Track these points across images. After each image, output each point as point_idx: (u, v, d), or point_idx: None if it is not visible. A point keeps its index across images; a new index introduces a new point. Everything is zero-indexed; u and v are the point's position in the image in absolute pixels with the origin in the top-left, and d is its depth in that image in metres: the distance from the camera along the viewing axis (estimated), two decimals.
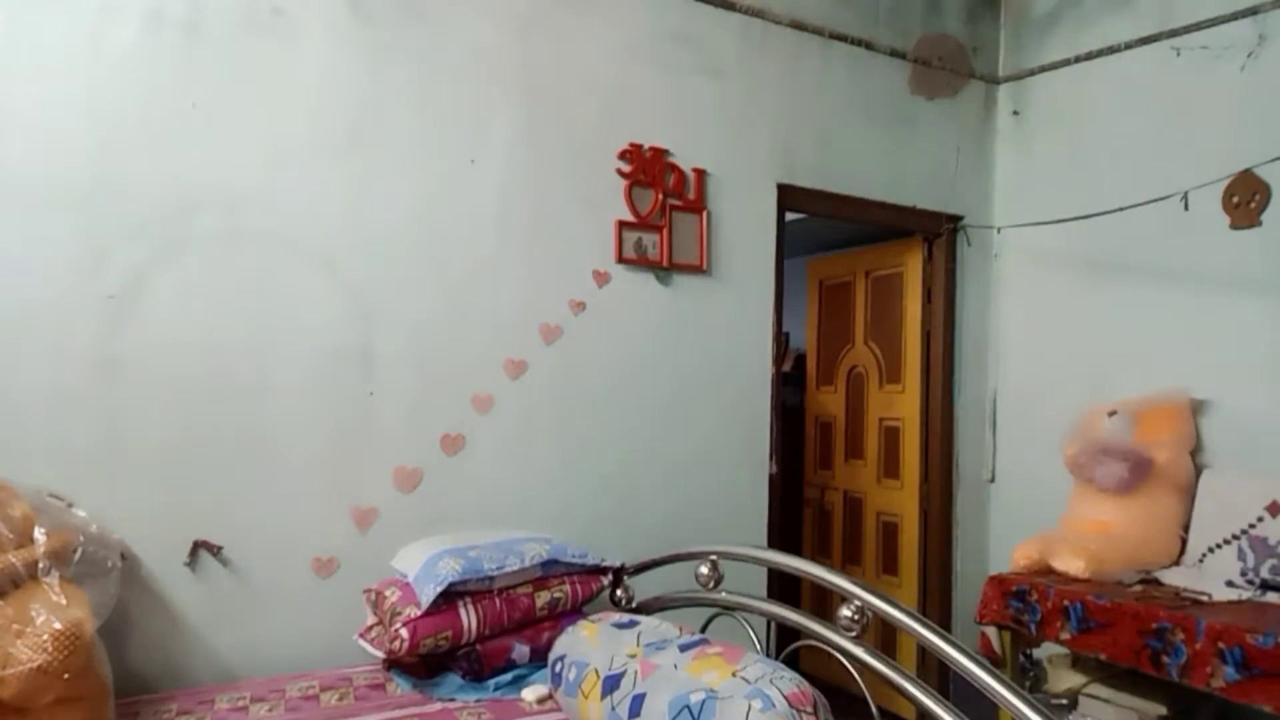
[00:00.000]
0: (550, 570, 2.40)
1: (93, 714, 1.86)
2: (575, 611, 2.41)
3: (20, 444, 2.19)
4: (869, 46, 3.58)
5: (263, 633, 2.45)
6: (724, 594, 2.35)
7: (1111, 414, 3.15)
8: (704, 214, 3.20)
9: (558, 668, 2.07)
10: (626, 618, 2.21)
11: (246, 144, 2.46)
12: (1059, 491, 3.28)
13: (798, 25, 3.40)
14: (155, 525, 2.33)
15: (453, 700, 2.15)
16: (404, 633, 2.14)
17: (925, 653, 2.85)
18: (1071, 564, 2.85)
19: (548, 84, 2.92)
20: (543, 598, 2.35)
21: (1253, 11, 3.06)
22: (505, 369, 2.84)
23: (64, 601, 1.86)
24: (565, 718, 2.04)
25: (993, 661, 2.69)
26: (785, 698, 1.65)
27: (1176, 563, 2.95)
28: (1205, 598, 2.63)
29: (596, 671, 1.94)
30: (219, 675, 2.36)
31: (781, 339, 3.53)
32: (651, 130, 3.10)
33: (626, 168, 3.04)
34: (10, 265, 2.20)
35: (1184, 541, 2.97)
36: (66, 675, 1.75)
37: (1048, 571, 2.93)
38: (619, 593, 2.55)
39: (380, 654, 2.27)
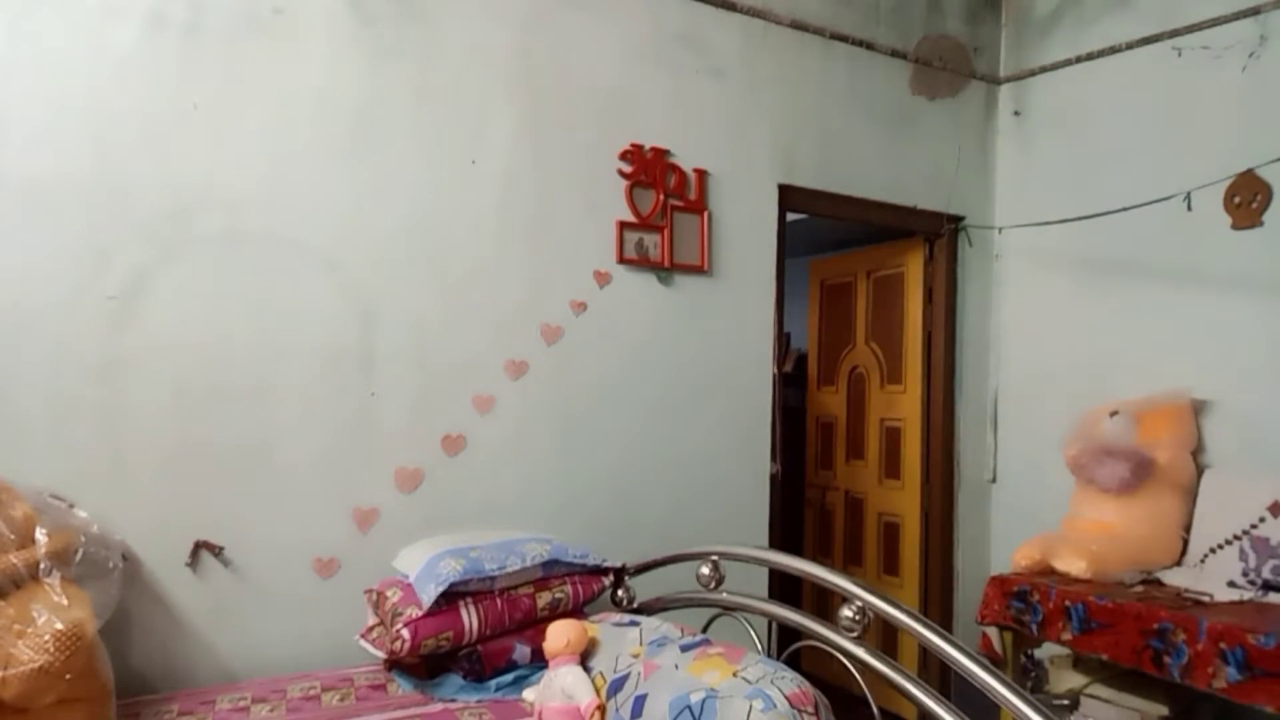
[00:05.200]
0: (551, 571, 2.40)
1: (94, 715, 1.86)
2: (577, 612, 2.41)
3: (22, 445, 2.19)
4: (870, 47, 3.58)
5: (264, 633, 2.45)
6: (725, 594, 2.35)
7: (1113, 414, 3.14)
8: (705, 214, 3.20)
9: None
10: (628, 618, 2.22)
11: (247, 144, 2.46)
12: (1060, 492, 3.27)
13: (799, 25, 3.40)
14: (156, 526, 2.33)
15: (454, 701, 2.15)
16: (405, 633, 2.14)
17: (926, 653, 2.85)
18: (1073, 564, 2.85)
19: (548, 84, 2.92)
20: (544, 598, 2.35)
21: (1254, 11, 3.06)
22: (506, 369, 2.84)
23: (65, 602, 1.87)
24: None
25: (994, 662, 2.69)
26: (786, 698, 1.65)
27: (1178, 563, 2.95)
28: (1207, 598, 2.63)
29: (603, 674, 1.94)
30: (220, 676, 2.36)
31: (783, 339, 3.53)
32: (652, 130, 3.10)
33: (627, 168, 3.04)
34: (11, 266, 2.20)
35: (1185, 542, 2.97)
36: (68, 676, 1.75)
37: (1049, 572, 2.93)
38: (620, 593, 2.55)
39: (381, 654, 2.27)
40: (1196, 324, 3.19)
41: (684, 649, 1.92)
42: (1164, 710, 2.67)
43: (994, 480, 3.96)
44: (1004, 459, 3.93)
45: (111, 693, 1.93)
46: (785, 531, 3.57)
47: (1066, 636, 2.70)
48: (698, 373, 3.20)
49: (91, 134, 2.29)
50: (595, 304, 2.99)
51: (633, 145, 3.05)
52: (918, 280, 3.97)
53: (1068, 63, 3.67)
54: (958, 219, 3.88)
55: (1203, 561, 2.88)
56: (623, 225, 3.03)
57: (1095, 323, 3.55)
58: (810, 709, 1.65)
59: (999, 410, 3.94)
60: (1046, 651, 3.00)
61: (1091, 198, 3.49)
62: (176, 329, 2.37)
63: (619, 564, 2.55)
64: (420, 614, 2.17)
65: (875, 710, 1.89)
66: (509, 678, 2.24)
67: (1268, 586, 2.66)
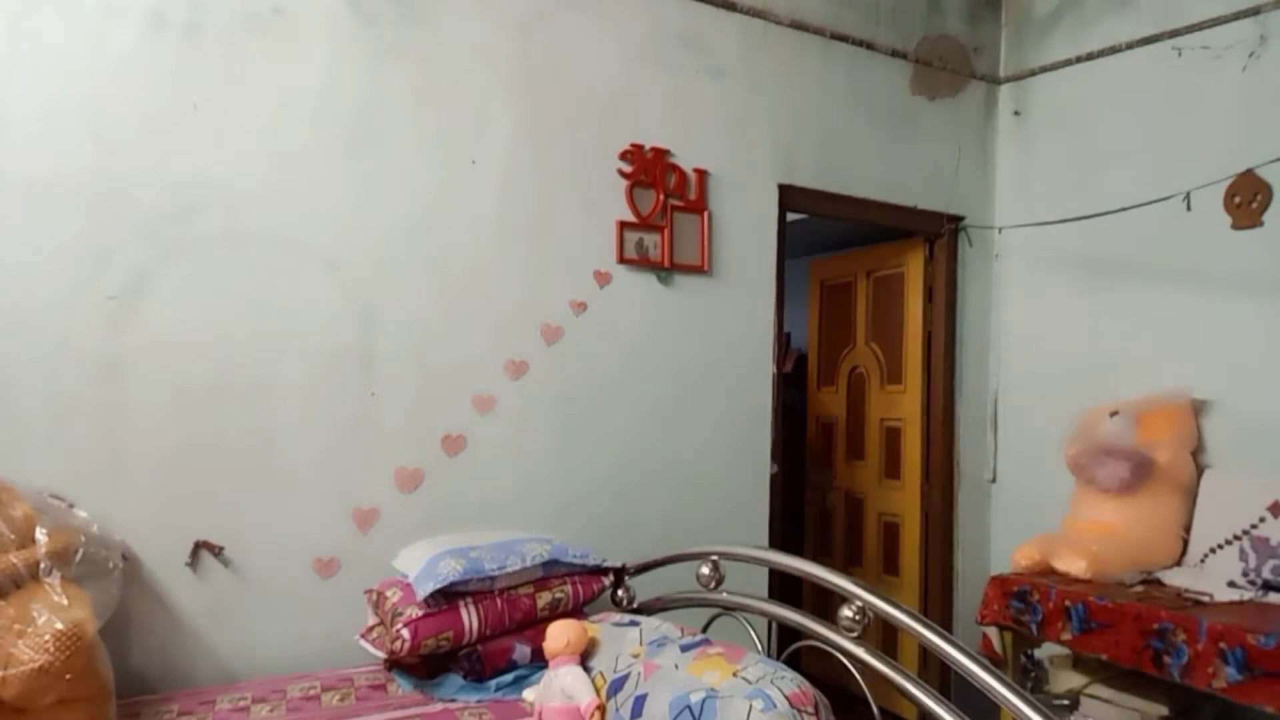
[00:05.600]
0: (551, 571, 2.40)
1: (94, 715, 1.86)
2: (576, 612, 2.41)
3: (22, 445, 2.19)
4: (870, 47, 3.58)
5: (264, 633, 2.45)
6: (725, 594, 2.35)
7: (1113, 414, 3.14)
8: (705, 214, 3.20)
9: None
10: (628, 618, 2.21)
11: (247, 144, 2.46)
12: (1060, 492, 3.27)
13: (799, 25, 3.40)
14: (156, 526, 2.33)
15: (454, 701, 2.15)
16: (405, 633, 2.14)
17: (926, 653, 2.85)
18: (1073, 564, 2.85)
19: (549, 84, 2.92)
20: (544, 598, 2.35)
21: (1254, 11, 3.06)
22: (506, 369, 2.84)
23: (65, 602, 1.87)
24: None
25: (994, 662, 2.68)
26: (786, 698, 1.65)
27: (1178, 563, 2.95)
28: (1207, 598, 2.62)
29: (603, 674, 1.94)
30: (220, 676, 2.36)
31: (783, 339, 3.53)
32: (653, 130, 3.10)
33: (628, 168, 3.04)
34: (12, 266, 2.20)
35: (1185, 542, 2.97)
36: (68, 676, 1.75)
37: (1049, 572, 2.93)
38: (620, 593, 2.55)
39: (381, 654, 2.27)
40: (1196, 324, 3.19)
41: (684, 649, 1.92)
42: (1164, 710, 2.67)
43: (994, 480, 3.95)
44: (1004, 459, 3.92)
45: (111, 693, 1.93)
46: (785, 531, 3.57)
47: (1066, 636, 2.70)
48: (698, 373, 3.20)
49: (91, 134, 2.29)
50: (595, 304, 2.99)
51: (633, 145, 3.05)
52: (918, 280, 3.97)
53: (1068, 63, 3.67)
54: (958, 219, 3.88)
55: (1203, 561, 2.88)
56: (623, 225, 3.03)
57: (1095, 323, 3.55)
58: (810, 709, 1.65)
59: (999, 410, 3.94)
60: (1046, 651, 3.00)
61: (1091, 198, 3.49)
62: (176, 329, 2.37)
63: (619, 564, 2.55)
64: (420, 614, 2.17)
65: (875, 710, 1.89)
66: (509, 678, 2.24)
67: (1268, 586, 2.66)
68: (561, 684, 1.92)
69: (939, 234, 3.86)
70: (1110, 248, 3.48)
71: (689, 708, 1.68)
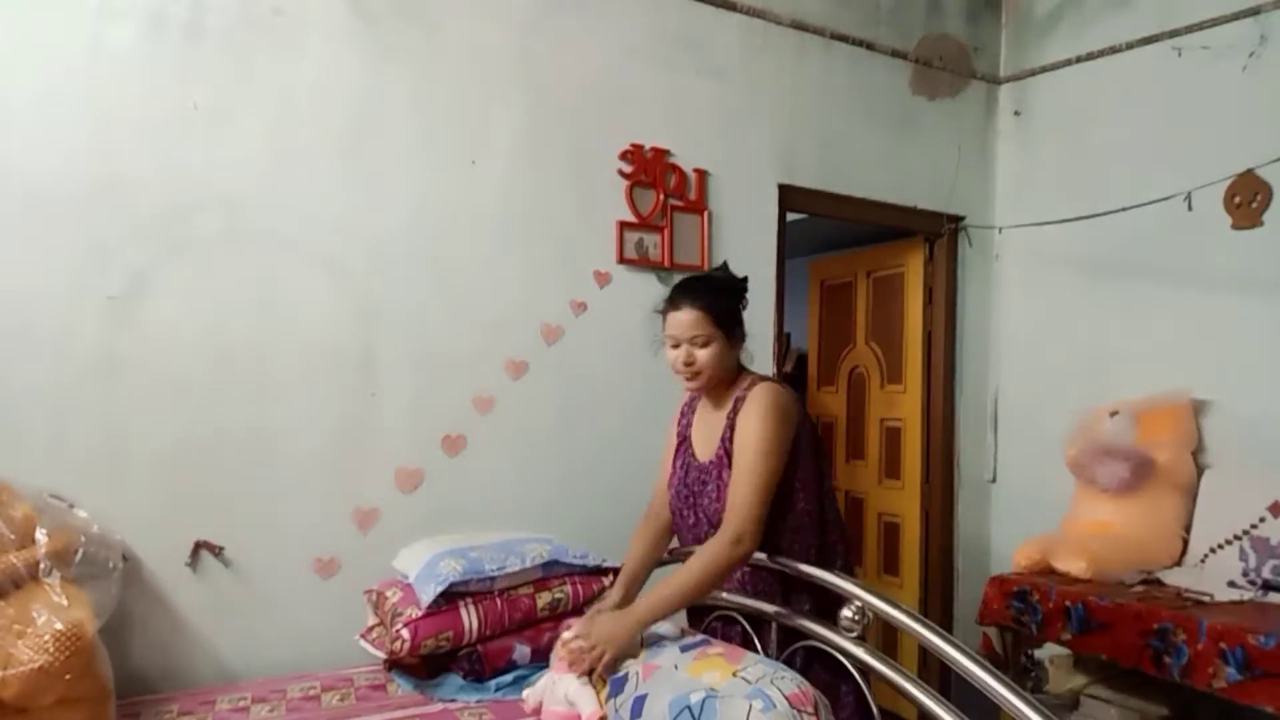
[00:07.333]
0: (551, 571, 2.39)
1: (94, 715, 1.86)
2: (576, 612, 2.41)
3: (21, 444, 2.19)
4: (870, 47, 3.58)
5: (264, 633, 2.45)
6: (725, 594, 2.35)
7: (1113, 414, 3.14)
8: (705, 214, 3.20)
9: None
10: None
11: (247, 144, 2.46)
12: (1060, 492, 3.27)
13: (799, 25, 3.40)
14: (156, 526, 2.33)
15: (454, 701, 2.15)
16: (405, 633, 2.14)
17: (926, 653, 2.85)
18: (1073, 564, 2.85)
19: (548, 84, 2.92)
20: (544, 598, 2.34)
21: (1254, 11, 3.06)
22: (506, 369, 2.84)
23: (65, 602, 1.86)
24: None
25: (994, 662, 2.68)
26: (786, 698, 1.64)
27: (1178, 563, 2.95)
28: (1207, 598, 2.62)
29: (602, 676, 1.94)
30: (220, 676, 2.36)
31: (783, 339, 3.53)
32: (652, 130, 3.10)
33: (627, 168, 3.04)
34: (11, 265, 2.20)
35: (1185, 542, 2.97)
36: (68, 676, 1.75)
37: (1049, 572, 2.93)
38: None
39: (381, 655, 2.27)
40: (1196, 324, 3.19)
41: (684, 649, 1.92)
42: (1164, 711, 2.67)
43: (994, 480, 3.95)
44: (1004, 459, 3.93)
45: (111, 693, 1.93)
46: None
47: (1066, 636, 2.70)
48: None
49: (91, 134, 2.29)
50: (595, 304, 2.99)
51: (633, 145, 3.05)
52: (918, 280, 3.97)
53: (1068, 63, 3.67)
54: (958, 219, 3.88)
55: (1203, 561, 2.88)
56: (623, 225, 3.03)
57: (1095, 322, 3.55)
58: (810, 709, 1.65)
59: (999, 410, 3.94)
60: (1046, 652, 3.00)
61: (1091, 198, 3.49)
62: (177, 328, 2.37)
63: (619, 564, 2.54)
64: (420, 614, 2.16)
65: (875, 711, 1.89)
66: (509, 678, 2.24)
67: (1268, 586, 2.66)
68: (566, 690, 1.91)
69: (939, 234, 3.86)
70: (1110, 248, 3.48)
71: (689, 708, 1.68)
